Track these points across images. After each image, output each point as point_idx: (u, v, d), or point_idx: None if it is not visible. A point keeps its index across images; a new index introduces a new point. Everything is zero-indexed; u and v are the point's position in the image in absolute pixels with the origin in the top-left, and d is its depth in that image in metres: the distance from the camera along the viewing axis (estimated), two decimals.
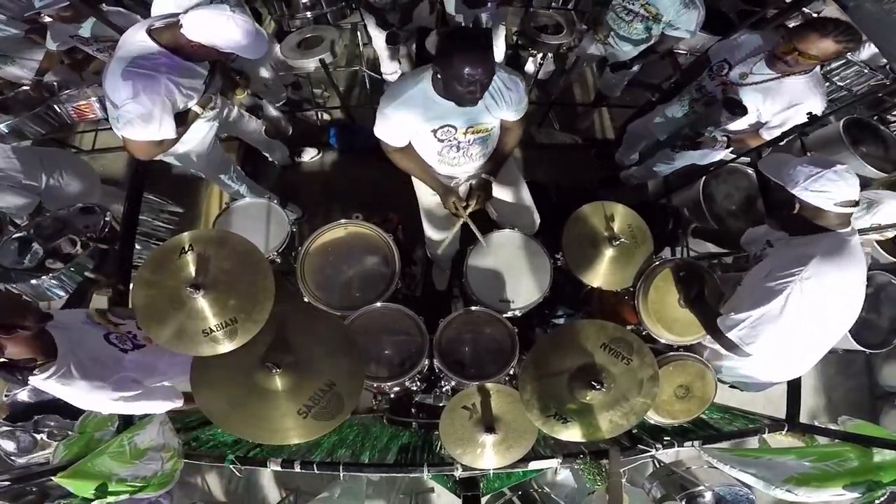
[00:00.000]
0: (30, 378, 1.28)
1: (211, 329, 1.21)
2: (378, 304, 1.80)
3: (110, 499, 1.36)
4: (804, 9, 2.56)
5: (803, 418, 1.80)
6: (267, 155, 2.99)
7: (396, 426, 2.04)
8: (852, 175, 1.31)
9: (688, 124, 2.24)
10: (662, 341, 1.80)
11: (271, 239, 2.08)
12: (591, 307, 2.22)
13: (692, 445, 1.72)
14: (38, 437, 2.28)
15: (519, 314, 1.88)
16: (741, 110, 1.90)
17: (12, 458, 2.23)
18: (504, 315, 1.85)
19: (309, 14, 2.91)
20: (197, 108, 1.90)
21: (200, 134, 2.14)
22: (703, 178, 2.68)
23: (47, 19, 2.46)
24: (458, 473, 1.61)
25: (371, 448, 1.97)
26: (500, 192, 2.07)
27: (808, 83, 1.85)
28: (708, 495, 2.17)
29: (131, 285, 1.61)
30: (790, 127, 1.85)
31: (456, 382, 1.77)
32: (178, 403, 1.64)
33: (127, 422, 1.58)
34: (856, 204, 1.32)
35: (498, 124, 1.78)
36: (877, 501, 1.45)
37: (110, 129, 1.85)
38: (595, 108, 3.55)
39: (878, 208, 2.22)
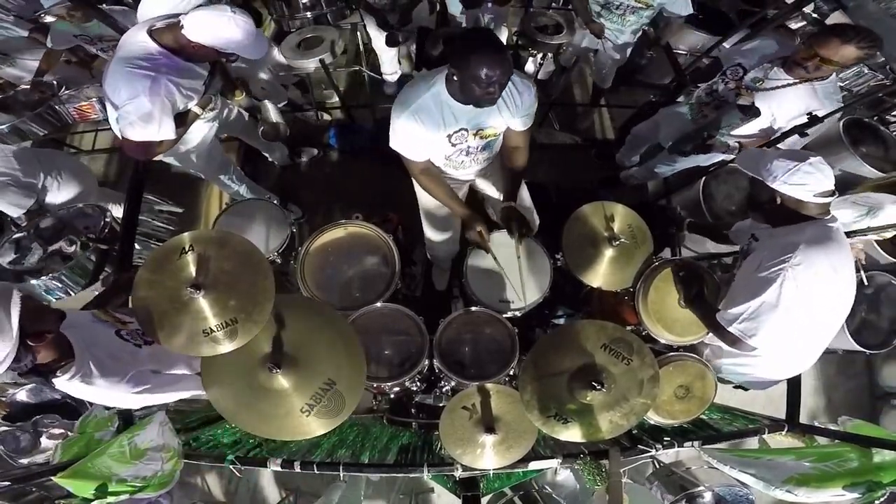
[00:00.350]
0: (54, 381, 1.27)
1: (211, 329, 1.21)
2: (378, 304, 1.80)
3: (110, 499, 1.35)
4: (803, 9, 2.56)
5: (803, 418, 1.80)
6: (267, 155, 2.99)
7: (396, 426, 2.04)
8: (826, 166, 1.37)
9: (696, 128, 2.23)
10: (662, 341, 1.80)
11: (271, 239, 2.08)
12: (591, 307, 2.22)
13: (692, 446, 1.72)
14: (38, 437, 2.28)
15: (519, 314, 1.88)
16: (754, 112, 1.89)
17: (12, 457, 2.23)
18: (504, 315, 1.85)
19: (309, 14, 2.91)
20: (196, 109, 1.90)
21: (200, 134, 2.14)
22: (703, 178, 2.69)
23: (48, 19, 2.46)
24: (458, 474, 1.61)
25: (371, 448, 1.97)
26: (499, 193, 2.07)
27: (825, 89, 1.85)
28: (708, 495, 2.17)
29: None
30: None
31: (456, 383, 1.77)
32: (201, 389, 1.62)
33: (127, 422, 1.58)
34: (833, 193, 1.38)
35: (504, 128, 1.73)
36: (877, 502, 1.45)
37: (110, 129, 1.85)
38: (595, 108, 3.56)
39: (879, 212, 2.22)
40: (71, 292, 1.99)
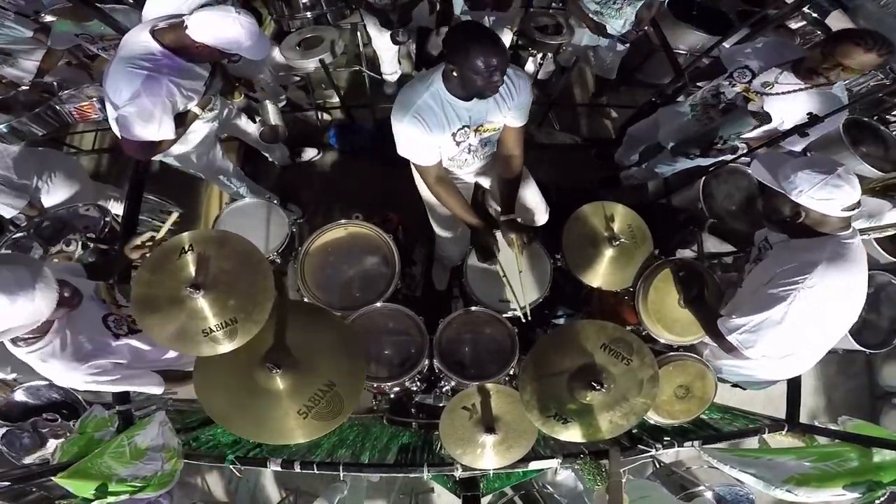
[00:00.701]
0: (14, 348, 1.27)
1: (211, 329, 1.21)
2: (378, 304, 1.80)
3: (110, 499, 1.35)
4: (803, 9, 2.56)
5: (803, 418, 1.79)
6: (267, 155, 2.99)
7: (396, 426, 2.04)
8: (853, 176, 1.29)
9: (703, 131, 2.21)
10: (662, 341, 1.80)
11: (271, 239, 2.08)
12: (591, 307, 2.22)
13: (692, 445, 1.72)
14: (38, 437, 2.28)
15: (519, 314, 1.88)
16: (767, 119, 1.88)
17: (12, 458, 2.23)
18: (504, 315, 1.85)
19: (309, 14, 2.91)
20: (196, 110, 1.90)
21: (200, 134, 2.14)
22: (703, 178, 2.68)
23: (48, 19, 2.46)
24: (458, 473, 1.61)
25: (371, 448, 1.97)
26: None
27: (835, 95, 1.83)
28: (708, 495, 2.17)
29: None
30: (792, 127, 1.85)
31: (456, 382, 1.77)
32: (157, 390, 1.61)
33: (127, 422, 1.58)
34: (858, 205, 1.30)
35: (503, 123, 1.73)
36: (877, 501, 1.45)
37: (111, 129, 1.85)
38: (595, 108, 3.55)
39: (880, 219, 2.22)
40: None
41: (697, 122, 2.26)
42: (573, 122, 3.51)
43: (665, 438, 1.72)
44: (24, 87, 2.60)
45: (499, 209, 2.10)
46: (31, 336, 1.27)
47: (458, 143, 1.67)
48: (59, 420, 2.30)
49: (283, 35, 2.91)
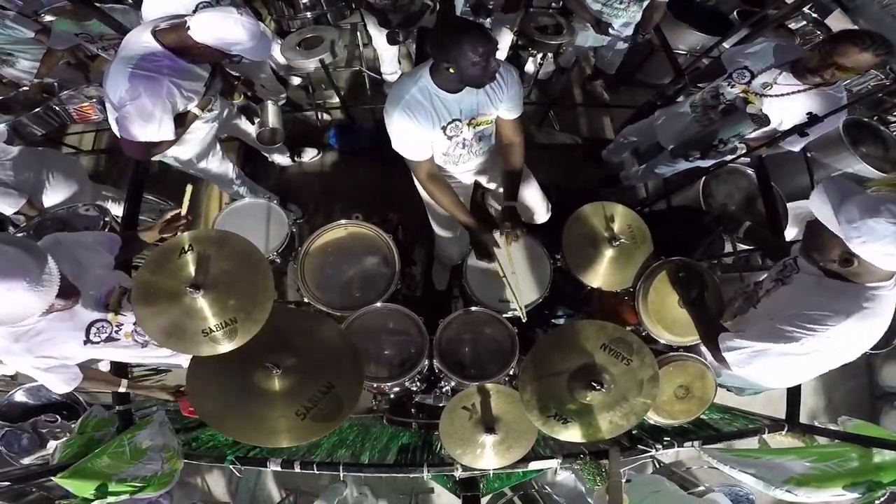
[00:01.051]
0: None
1: (210, 329, 1.20)
2: (378, 304, 1.80)
3: (110, 499, 1.36)
4: (803, 8, 2.56)
5: (803, 418, 1.80)
6: (267, 155, 2.99)
7: (396, 426, 2.04)
8: None
9: (703, 133, 2.20)
10: (662, 342, 1.80)
11: (271, 239, 2.08)
12: (591, 307, 2.22)
13: (692, 446, 1.72)
14: (38, 437, 2.28)
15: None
16: (765, 122, 1.89)
17: (12, 458, 2.23)
18: (504, 315, 1.85)
19: (309, 14, 2.91)
20: (196, 110, 1.90)
21: (200, 135, 2.14)
22: (703, 178, 2.68)
23: (48, 19, 2.46)
24: (458, 474, 1.61)
25: (371, 448, 1.97)
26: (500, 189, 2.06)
27: (833, 95, 1.83)
28: (716, 494, 2.16)
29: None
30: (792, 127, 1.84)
31: (456, 383, 1.77)
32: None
33: (127, 422, 1.58)
34: None
35: (495, 116, 1.73)
36: (877, 502, 1.45)
37: (110, 129, 1.85)
38: (595, 109, 3.55)
39: None
40: None
41: (697, 123, 2.26)
42: (573, 122, 3.51)
43: (665, 439, 1.72)
44: (24, 87, 2.60)
45: (499, 208, 2.11)
46: None
47: (449, 138, 1.68)
48: (59, 420, 2.31)
49: (283, 35, 2.92)
